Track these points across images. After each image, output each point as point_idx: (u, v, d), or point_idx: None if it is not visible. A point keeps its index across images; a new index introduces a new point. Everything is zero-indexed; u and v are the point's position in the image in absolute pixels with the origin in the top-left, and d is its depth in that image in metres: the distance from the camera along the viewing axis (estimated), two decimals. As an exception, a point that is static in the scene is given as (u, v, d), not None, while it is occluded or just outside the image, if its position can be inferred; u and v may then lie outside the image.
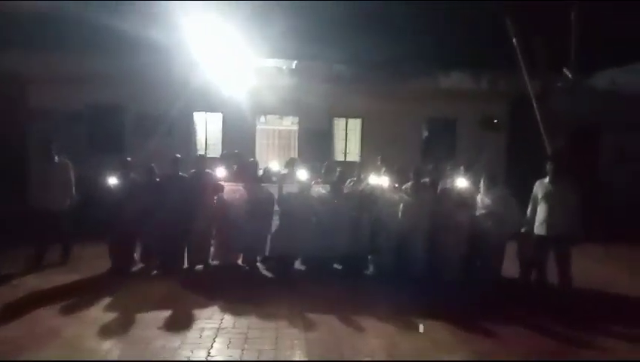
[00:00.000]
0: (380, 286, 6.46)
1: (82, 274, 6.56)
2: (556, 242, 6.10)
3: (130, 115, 12.09)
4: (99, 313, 5.08)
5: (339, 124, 13.07)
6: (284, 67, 11.66)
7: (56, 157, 7.06)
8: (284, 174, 7.53)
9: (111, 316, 5.05)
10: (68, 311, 5.13)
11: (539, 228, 6.23)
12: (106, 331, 4.64)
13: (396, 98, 11.95)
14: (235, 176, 7.34)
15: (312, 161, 8.90)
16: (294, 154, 13.19)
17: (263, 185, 7.22)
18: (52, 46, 10.84)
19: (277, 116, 14.56)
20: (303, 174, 7.18)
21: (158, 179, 7.06)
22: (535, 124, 9.32)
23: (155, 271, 6.87)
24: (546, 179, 6.29)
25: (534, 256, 6.54)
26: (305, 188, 7.10)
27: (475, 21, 9.46)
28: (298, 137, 13.09)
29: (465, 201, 6.75)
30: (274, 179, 7.55)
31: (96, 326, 4.71)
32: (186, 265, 7.05)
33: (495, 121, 12.60)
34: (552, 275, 6.25)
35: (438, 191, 7.05)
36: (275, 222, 7.06)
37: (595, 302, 6.16)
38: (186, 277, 6.70)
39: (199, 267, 7.04)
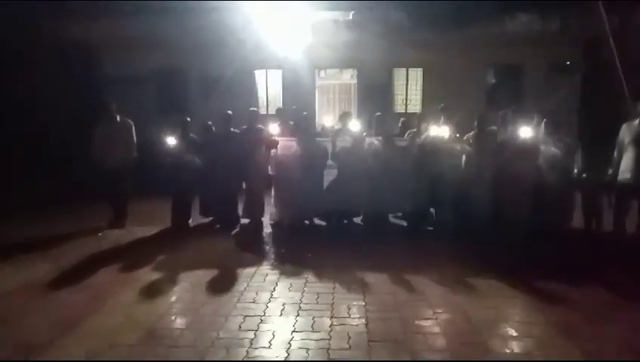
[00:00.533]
0: (442, 241, 6.26)
1: (142, 231, 6.81)
2: None
3: (193, 77, 12.34)
4: (152, 277, 5.05)
5: (399, 75, 12.66)
6: (341, 19, 11.29)
7: (117, 117, 7.19)
8: (338, 129, 7.34)
9: (178, 266, 5.25)
10: (130, 268, 5.31)
11: (625, 175, 5.68)
12: (176, 279, 4.87)
13: (458, 45, 11.32)
14: (289, 132, 7.19)
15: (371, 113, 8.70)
16: (355, 108, 13.11)
17: (318, 139, 7.10)
18: (117, 14, 11.28)
19: (336, 70, 14.40)
20: (355, 127, 6.98)
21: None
22: (614, 65, 8.61)
23: (216, 226, 7.10)
24: (636, 121, 5.69)
25: (599, 206, 6.30)
26: (357, 141, 6.87)
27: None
28: (357, 90, 12.83)
29: (528, 150, 6.36)
30: (328, 134, 7.47)
31: (171, 278, 4.92)
32: (242, 221, 7.16)
33: (567, 63, 11.72)
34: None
35: (501, 140, 6.66)
36: (332, 178, 6.94)
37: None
38: (244, 232, 6.84)
39: (256, 222, 7.13)
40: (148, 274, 5.08)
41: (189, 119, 7.29)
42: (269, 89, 12.91)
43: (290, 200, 6.89)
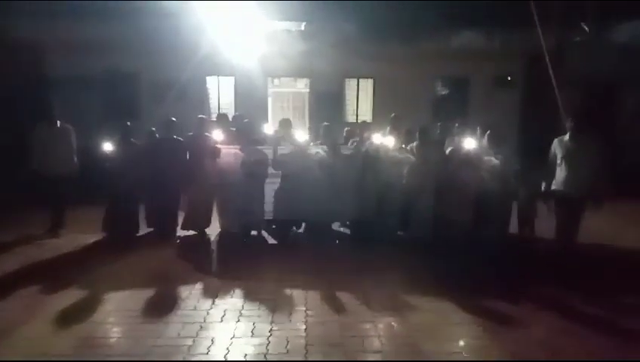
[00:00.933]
0: (384, 250, 6.21)
1: (81, 239, 6.48)
2: (578, 201, 5.73)
3: (144, 81, 12.10)
4: (91, 286, 4.84)
5: (350, 85, 12.85)
6: (294, 29, 11.41)
7: (58, 122, 6.90)
8: (279, 136, 7.19)
9: (116, 275, 5.10)
10: (65, 277, 5.08)
11: (559, 187, 5.86)
12: (114, 288, 4.68)
13: (408, 58, 11.60)
14: (231, 139, 6.98)
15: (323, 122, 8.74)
16: (306, 116, 13.22)
17: (259, 147, 6.84)
18: (67, 14, 10.92)
19: (291, 79, 14.49)
20: (300, 136, 6.95)
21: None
22: (550, 81, 9.10)
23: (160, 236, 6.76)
24: (566, 137, 5.91)
25: (533, 215, 6.63)
26: (299, 148, 6.77)
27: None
28: (309, 99, 12.94)
29: (471, 161, 6.52)
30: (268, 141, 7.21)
31: (108, 287, 4.72)
32: (184, 232, 6.84)
33: (509, 78, 12.28)
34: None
35: (445, 150, 6.82)
36: (274, 186, 6.80)
37: (603, 259, 6.08)
38: (188, 243, 6.58)
39: (200, 233, 6.86)
40: (84, 283, 4.88)
41: (129, 123, 7.00)
42: (220, 96, 12.87)
43: (233, 209, 6.73)
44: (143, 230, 6.88)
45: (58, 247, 6.24)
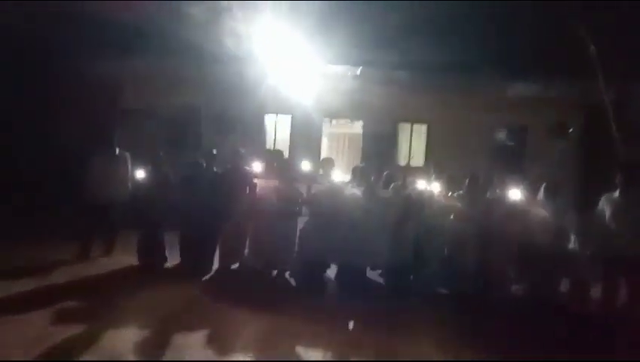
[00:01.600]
0: (425, 304, 5.80)
1: (110, 268, 6.37)
2: (626, 264, 5.25)
3: (207, 116, 12.69)
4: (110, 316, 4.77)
5: (404, 129, 12.82)
6: (349, 73, 11.62)
7: (117, 149, 6.96)
8: (317, 175, 7.08)
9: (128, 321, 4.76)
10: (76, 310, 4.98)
11: (604, 248, 5.47)
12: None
13: (464, 104, 11.44)
14: (269, 175, 6.83)
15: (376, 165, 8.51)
16: (359, 159, 13.29)
17: (295, 185, 6.66)
18: (140, 52, 11.83)
19: (348, 120, 14.71)
20: (337, 175, 6.69)
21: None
22: (611, 133, 8.67)
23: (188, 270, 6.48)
24: (616, 193, 5.52)
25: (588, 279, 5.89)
26: (333, 187, 6.55)
27: (547, 24, 9.00)
28: (363, 141, 12.90)
29: (518, 212, 6.16)
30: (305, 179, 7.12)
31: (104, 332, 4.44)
32: (216, 266, 6.58)
33: (570, 130, 11.74)
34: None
35: (491, 200, 6.46)
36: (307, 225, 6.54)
37: None
38: (211, 282, 6.22)
39: (232, 267, 6.59)
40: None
41: (162, 154, 6.91)
42: (277, 133, 13.24)
43: (260, 246, 6.50)
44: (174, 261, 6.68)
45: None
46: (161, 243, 6.65)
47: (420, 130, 12.66)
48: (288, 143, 12.90)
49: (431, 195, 6.54)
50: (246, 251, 6.66)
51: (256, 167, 6.82)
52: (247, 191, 6.60)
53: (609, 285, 5.54)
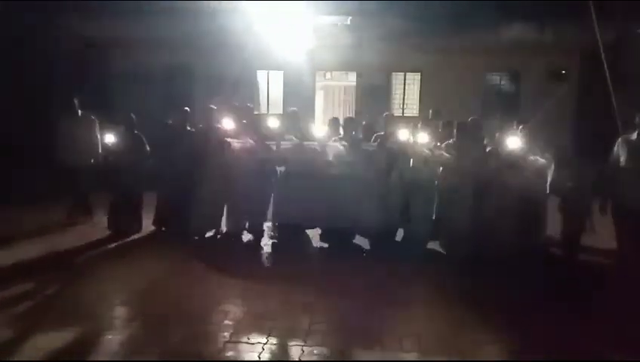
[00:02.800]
0: (412, 264, 5.21)
1: (84, 237, 5.95)
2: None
3: (197, 75, 12.27)
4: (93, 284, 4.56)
5: (397, 78, 12.51)
6: (340, 24, 11.11)
7: (79, 112, 6.62)
8: (284, 130, 6.27)
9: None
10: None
11: (623, 193, 5.00)
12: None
13: (456, 51, 10.98)
14: (242, 132, 6.09)
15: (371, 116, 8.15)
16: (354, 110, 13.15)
17: (268, 142, 5.96)
18: (127, 13, 11.42)
19: (342, 72, 14.41)
20: (317, 130, 6.03)
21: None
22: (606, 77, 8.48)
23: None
24: (634, 135, 5.00)
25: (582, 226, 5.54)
26: (304, 143, 5.86)
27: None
28: (356, 93, 12.61)
29: (515, 162, 5.59)
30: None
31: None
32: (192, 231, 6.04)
33: (563, 72, 11.42)
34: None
35: (486, 149, 5.86)
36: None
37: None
38: (190, 246, 5.78)
39: (208, 234, 6.09)
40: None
41: (133, 115, 6.34)
42: (270, 90, 12.98)
43: (236, 210, 5.99)
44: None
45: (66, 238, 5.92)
46: (134, 207, 6.20)
47: (414, 79, 12.46)
48: (282, 99, 12.71)
49: (417, 146, 5.76)
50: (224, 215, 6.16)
51: (227, 124, 6.10)
52: (221, 151, 5.94)
53: (620, 235, 5.19)
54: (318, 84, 14.09)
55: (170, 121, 6.51)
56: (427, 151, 5.76)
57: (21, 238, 5.86)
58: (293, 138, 5.94)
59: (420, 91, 12.31)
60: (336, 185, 5.60)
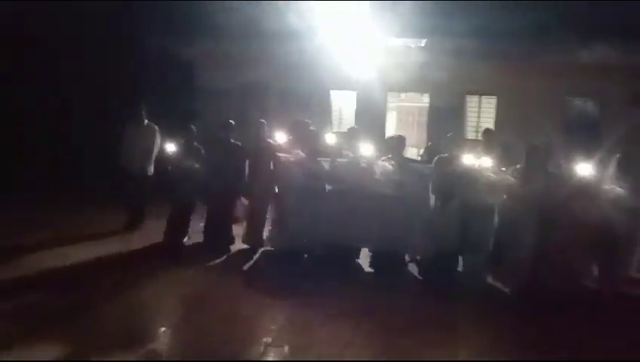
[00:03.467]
0: (471, 301, 4.77)
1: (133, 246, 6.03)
2: None
3: (274, 92, 12.82)
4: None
5: (471, 101, 12.11)
6: (413, 45, 11.07)
7: (145, 121, 6.72)
8: (341, 147, 6.06)
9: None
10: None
11: None
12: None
13: (535, 73, 10.47)
14: (294, 147, 5.96)
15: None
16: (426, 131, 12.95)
17: (320, 159, 5.77)
18: (214, 33, 12.26)
19: (417, 93, 14.29)
20: (366, 148, 5.62)
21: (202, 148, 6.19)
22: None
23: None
24: None
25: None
26: (357, 161, 5.60)
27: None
28: (428, 114, 12.39)
29: (587, 190, 5.19)
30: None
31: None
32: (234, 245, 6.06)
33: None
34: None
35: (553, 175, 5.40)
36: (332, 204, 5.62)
37: None
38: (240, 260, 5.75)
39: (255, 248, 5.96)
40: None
41: (194, 127, 6.33)
42: (342, 109, 13.10)
43: (284, 227, 5.77)
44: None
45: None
46: (185, 219, 6.14)
47: (489, 102, 12.07)
48: (354, 118, 12.85)
49: (481, 170, 5.42)
50: (268, 230, 6.01)
51: (280, 138, 6.07)
52: (271, 166, 5.88)
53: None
54: (392, 105, 14.08)
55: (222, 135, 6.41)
56: (491, 176, 5.40)
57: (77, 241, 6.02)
58: (350, 155, 5.84)
59: (496, 114, 11.87)
60: (383, 205, 5.38)
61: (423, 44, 10.97)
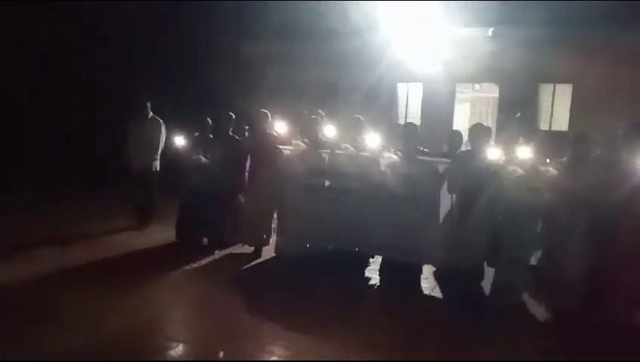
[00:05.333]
0: (505, 322, 4.06)
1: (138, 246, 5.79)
2: None
3: (342, 88, 13.03)
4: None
5: (545, 90, 11.46)
6: (480, 35, 10.55)
7: (150, 114, 6.47)
8: (347, 138, 5.44)
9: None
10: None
11: None
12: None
13: (612, 59, 9.58)
14: (294, 138, 5.55)
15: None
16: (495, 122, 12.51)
17: (321, 151, 5.21)
18: (283, 34, 12.72)
19: (492, 84, 13.81)
20: (372, 139, 5.01)
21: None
22: None
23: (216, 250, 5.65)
24: None
25: None
26: (359, 153, 5.01)
27: None
28: (498, 105, 11.75)
29: None
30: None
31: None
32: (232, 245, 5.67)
33: None
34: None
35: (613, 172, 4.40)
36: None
37: None
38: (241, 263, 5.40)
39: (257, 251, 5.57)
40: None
41: (209, 120, 5.99)
42: (409, 101, 12.99)
43: (287, 227, 5.33)
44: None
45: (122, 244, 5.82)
46: (201, 219, 5.71)
47: (564, 91, 11.42)
48: (420, 111, 12.74)
49: (517, 163, 4.64)
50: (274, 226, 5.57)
51: (280, 128, 5.60)
52: (270, 160, 5.37)
53: None
54: (466, 96, 13.71)
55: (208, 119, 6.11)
56: (531, 172, 4.61)
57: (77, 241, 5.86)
58: (349, 147, 5.21)
59: (572, 104, 11.24)
60: (389, 203, 4.70)
61: (490, 34, 10.58)
